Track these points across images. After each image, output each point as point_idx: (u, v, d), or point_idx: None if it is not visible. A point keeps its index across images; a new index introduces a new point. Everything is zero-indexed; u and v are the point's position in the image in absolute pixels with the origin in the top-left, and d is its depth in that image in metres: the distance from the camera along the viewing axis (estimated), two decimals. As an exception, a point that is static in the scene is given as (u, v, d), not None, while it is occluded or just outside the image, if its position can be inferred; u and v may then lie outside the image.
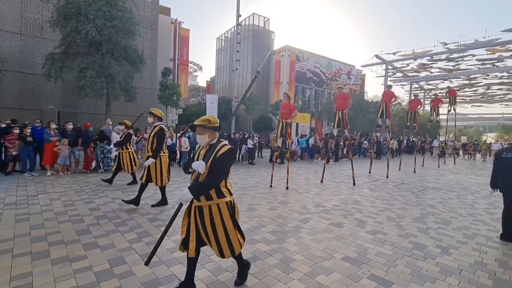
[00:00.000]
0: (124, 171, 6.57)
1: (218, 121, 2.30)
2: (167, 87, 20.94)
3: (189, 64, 33.63)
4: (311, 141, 15.40)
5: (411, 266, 3.03)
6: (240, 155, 12.83)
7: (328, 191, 6.97)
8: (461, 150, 22.60)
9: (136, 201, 4.77)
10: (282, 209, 5.10)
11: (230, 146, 2.20)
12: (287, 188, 7.00)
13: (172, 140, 10.38)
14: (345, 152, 16.20)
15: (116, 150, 6.77)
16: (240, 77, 33.76)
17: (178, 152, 10.71)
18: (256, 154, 14.12)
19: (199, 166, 2.09)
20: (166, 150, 5.05)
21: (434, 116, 13.80)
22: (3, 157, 7.61)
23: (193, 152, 11.03)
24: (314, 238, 3.73)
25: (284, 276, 2.72)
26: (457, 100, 15.17)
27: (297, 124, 23.46)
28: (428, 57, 30.98)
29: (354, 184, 7.86)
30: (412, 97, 12.61)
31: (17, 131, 7.41)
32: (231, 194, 2.32)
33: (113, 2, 12.91)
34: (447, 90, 15.68)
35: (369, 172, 10.35)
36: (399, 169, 11.63)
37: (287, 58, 34.88)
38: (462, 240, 3.91)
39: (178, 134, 11.38)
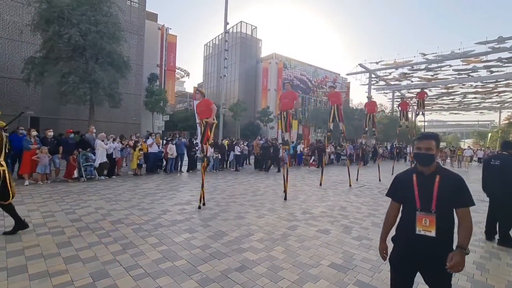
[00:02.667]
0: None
1: None
2: (153, 93, 20.71)
3: (176, 70, 33.40)
4: (299, 148, 15.61)
5: (395, 271, 3.11)
6: (228, 162, 12.76)
7: (315, 197, 7.05)
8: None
9: (21, 225, 3.87)
10: (270, 217, 5.11)
11: None
12: (199, 207, 5.55)
13: (159, 148, 10.22)
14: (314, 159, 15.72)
15: None
16: (227, 84, 33.84)
17: (164, 159, 10.54)
18: (245, 161, 14.12)
19: None
20: (2, 162, 3.76)
21: (404, 120, 13.05)
22: None
23: (180, 158, 10.86)
24: (301, 246, 3.76)
25: (272, 285, 2.72)
26: (425, 104, 14.02)
27: (284, 131, 23.63)
28: (409, 67, 32.29)
29: (285, 199, 6.64)
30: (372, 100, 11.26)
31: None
32: None
33: (98, 7, 12.69)
34: (417, 93, 14.61)
35: (318, 182, 10.17)
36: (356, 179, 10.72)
37: (275, 66, 35.39)
38: (442, 244, 4.04)
39: (164, 141, 11.23)
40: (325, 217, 5.25)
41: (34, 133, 7.65)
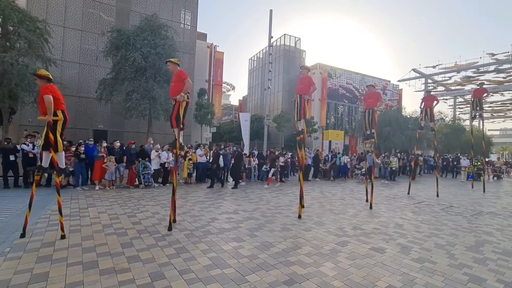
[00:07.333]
0: None
1: None
2: (202, 106, 22.02)
3: (223, 84, 35.18)
4: (344, 159, 14.88)
5: (468, 302, 2.71)
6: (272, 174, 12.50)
7: (366, 212, 6.60)
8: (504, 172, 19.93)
9: None
10: (318, 230, 4.93)
11: None
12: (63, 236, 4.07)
13: (207, 157, 10.74)
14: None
15: None
16: (271, 96, 34.32)
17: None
18: (289, 172, 13.93)
19: None
20: None
21: (426, 120, 9.79)
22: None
23: (228, 168, 11.10)
24: (353, 263, 3.52)
25: (323, 303, 2.59)
26: (483, 105, 11.39)
27: (330, 142, 22.89)
28: (474, 69, 28.84)
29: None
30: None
31: (73, 148, 8.29)
32: None
33: (157, 31, 14.28)
34: (474, 90, 12.26)
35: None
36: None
37: (319, 76, 34.83)
38: (530, 275, 3.40)
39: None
40: (379, 234, 4.86)
41: (104, 144, 8.73)
